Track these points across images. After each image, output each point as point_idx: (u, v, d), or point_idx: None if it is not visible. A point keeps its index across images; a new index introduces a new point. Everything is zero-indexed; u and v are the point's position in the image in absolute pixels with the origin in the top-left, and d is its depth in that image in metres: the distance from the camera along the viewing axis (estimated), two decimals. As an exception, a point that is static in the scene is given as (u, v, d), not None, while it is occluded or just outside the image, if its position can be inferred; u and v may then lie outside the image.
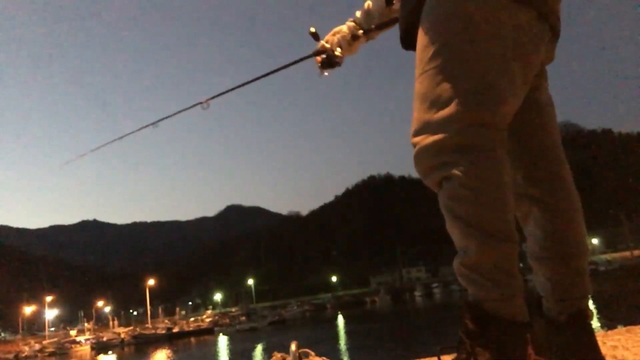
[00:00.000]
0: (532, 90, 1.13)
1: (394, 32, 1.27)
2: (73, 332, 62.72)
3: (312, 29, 1.60)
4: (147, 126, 1.84)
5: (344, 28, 1.55)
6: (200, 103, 1.69)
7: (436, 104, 0.99)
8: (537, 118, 1.16)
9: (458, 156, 0.96)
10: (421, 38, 1.07)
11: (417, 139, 1.02)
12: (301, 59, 1.60)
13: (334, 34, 1.57)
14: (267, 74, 1.65)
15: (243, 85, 1.67)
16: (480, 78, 0.97)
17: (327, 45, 1.57)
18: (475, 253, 0.95)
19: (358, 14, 1.53)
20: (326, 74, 1.62)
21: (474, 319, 0.96)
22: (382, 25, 1.49)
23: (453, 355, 1.01)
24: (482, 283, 0.95)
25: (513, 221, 0.98)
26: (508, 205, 0.97)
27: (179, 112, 1.79)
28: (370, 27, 1.50)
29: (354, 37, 1.52)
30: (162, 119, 1.84)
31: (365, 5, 1.51)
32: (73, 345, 53.62)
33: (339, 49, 1.54)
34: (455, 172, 0.96)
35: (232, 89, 1.68)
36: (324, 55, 1.58)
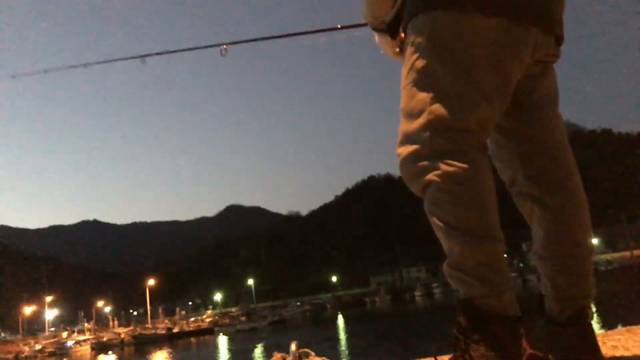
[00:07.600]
0: (527, 92, 1.17)
1: None
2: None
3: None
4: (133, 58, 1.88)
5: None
6: (219, 45, 1.73)
7: (412, 115, 1.06)
8: (535, 118, 1.18)
9: (434, 162, 1.01)
10: (405, 57, 1.15)
11: (399, 151, 1.09)
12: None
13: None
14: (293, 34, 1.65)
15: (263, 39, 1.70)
16: (447, 88, 1.03)
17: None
18: (458, 253, 0.99)
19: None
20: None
21: (467, 316, 0.98)
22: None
23: (450, 355, 1.03)
24: (469, 281, 0.98)
25: (495, 220, 1.00)
26: (487, 205, 0.99)
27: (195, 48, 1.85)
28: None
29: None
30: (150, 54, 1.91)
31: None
32: (73, 345, 53.53)
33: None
34: (433, 177, 1.00)
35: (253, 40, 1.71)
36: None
